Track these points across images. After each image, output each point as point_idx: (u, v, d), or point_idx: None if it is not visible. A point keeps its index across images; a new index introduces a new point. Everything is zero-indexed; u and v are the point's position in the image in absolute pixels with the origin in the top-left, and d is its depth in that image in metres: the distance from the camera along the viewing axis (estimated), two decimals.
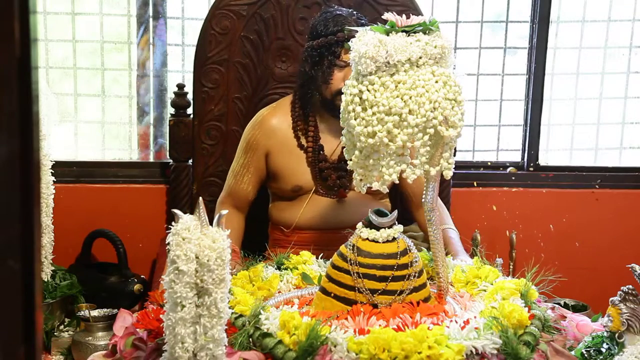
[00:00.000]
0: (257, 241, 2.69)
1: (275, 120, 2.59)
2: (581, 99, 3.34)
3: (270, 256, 2.40)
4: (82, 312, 2.45)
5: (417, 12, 2.81)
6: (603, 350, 1.91)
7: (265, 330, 1.78)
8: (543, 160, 3.29)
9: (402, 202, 2.70)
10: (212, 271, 1.56)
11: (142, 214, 3.08)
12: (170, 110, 2.98)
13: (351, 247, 1.96)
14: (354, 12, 2.53)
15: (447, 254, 2.32)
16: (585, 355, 1.91)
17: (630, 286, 1.90)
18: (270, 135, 2.57)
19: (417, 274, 1.95)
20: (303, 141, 2.56)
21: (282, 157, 2.56)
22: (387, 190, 2.04)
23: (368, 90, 1.88)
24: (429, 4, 3.18)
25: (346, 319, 1.86)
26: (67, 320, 2.63)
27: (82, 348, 2.33)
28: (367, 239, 1.96)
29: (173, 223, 1.59)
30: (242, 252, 2.53)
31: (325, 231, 2.55)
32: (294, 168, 2.56)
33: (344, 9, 2.57)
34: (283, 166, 2.56)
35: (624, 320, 1.89)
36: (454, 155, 1.97)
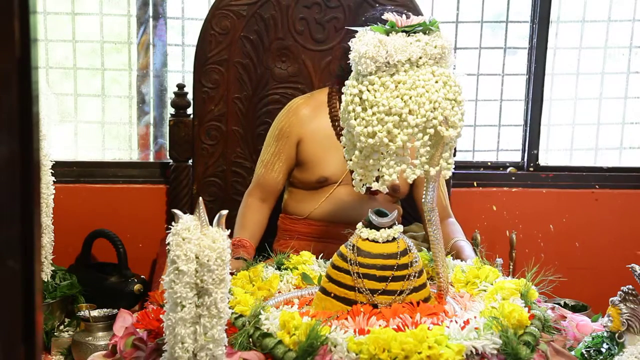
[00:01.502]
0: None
1: (309, 108, 2.59)
2: (581, 99, 3.34)
3: (270, 256, 2.40)
4: (82, 312, 2.45)
5: (417, 12, 2.81)
6: (603, 350, 1.91)
7: (265, 331, 1.78)
8: (543, 161, 3.30)
9: (403, 204, 2.69)
10: (212, 271, 1.56)
11: (142, 214, 3.08)
12: (170, 110, 2.98)
13: (351, 247, 1.96)
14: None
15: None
16: (585, 355, 1.92)
17: (630, 286, 1.90)
18: (304, 123, 2.57)
19: (417, 274, 1.95)
20: (340, 130, 2.53)
21: (313, 146, 2.56)
22: (387, 191, 2.04)
23: (368, 90, 1.88)
24: (429, 4, 3.18)
25: (346, 319, 1.86)
26: (67, 320, 2.63)
27: (82, 348, 2.33)
28: (367, 239, 1.96)
29: (173, 223, 1.59)
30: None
31: (340, 224, 2.53)
32: (324, 158, 2.54)
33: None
34: (313, 155, 2.56)
35: (624, 320, 1.89)
36: (454, 156, 1.97)
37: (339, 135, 2.53)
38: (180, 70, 3.18)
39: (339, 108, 2.53)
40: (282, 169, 2.59)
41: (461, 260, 2.31)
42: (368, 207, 2.52)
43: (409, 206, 2.74)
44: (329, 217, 2.56)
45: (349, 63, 2.49)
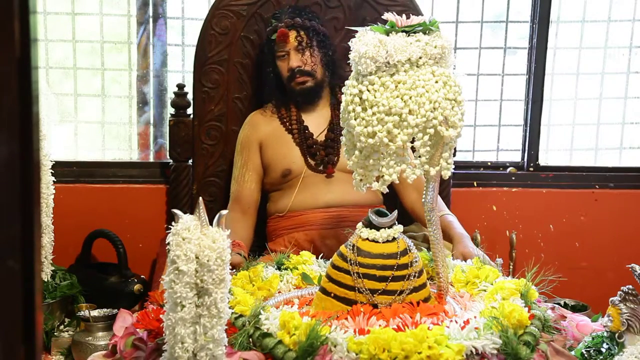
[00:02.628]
0: (257, 240, 2.70)
1: (261, 115, 2.77)
2: (581, 99, 3.34)
3: (270, 255, 2.41)
4: (82, 312, 2.45)
5: (417, 12, 2.81)
6: (603, 350, 1.91)
7: (265, 330, 1.78)
8: (543, 160, 3.30)
9: (401, 203, 2.70)
10: (212, 271, 1.56)
11: (142, 214, 3.08)
12: (170, 110, 2.98)
13: (351, 247, 1.96)
14: (293, 5, 2.75)
15: (449, 240, 2.38)
16: (585, 355, 1.92)
17: (630, 286, 1.90)
18: (259, 129, 2.73)
19: (417, 274, 1.95)
20: (288, 125, 2.71)
21: (272, 145, 2.70)
22: (387, 191, 2.04)
23: (368, 90, 1.88)
24: (429, 4, 3.18)
25: (346, 319, 1.86)
26: (67, 320, 2.63)
27: (82, 348, 2.33)
28: (367, 239, 1.96)
29: (173, 223, 1.59)
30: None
31: (318, 210, 2.64)
32: (284, 153, 2.68)
33: (292, 5, 2.75)
34: (274, 153, 2.69)
35: (624, 320, 1.89)
36: (454, 155, 1.97)
37: (289, 131, 2.70)
38: (180, 70, 3.18)
39: (284, 110, 2.73)
40: (253, 177, 2.71)
41: (449, 238, 2.34)
42: (340, 189, 2.58)
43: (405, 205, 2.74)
44: (308, 205, 2.66)
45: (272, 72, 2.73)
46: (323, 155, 2.66)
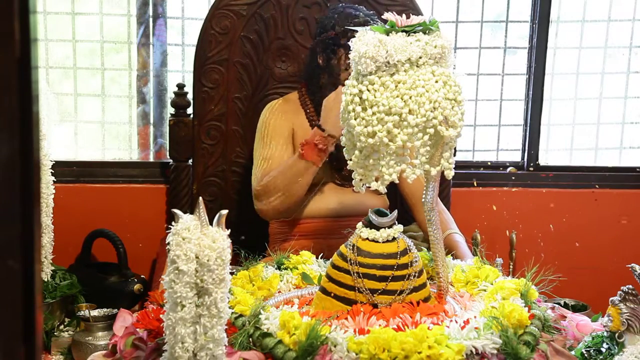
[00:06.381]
0: (257, 240, 2.69)
1: (289, 109, 2.65)
2: (581, 99, 3.34)
3: (270, 255, 2.40)
4: (82, 312, 2.45)
5: (417, 12, 2.81)
6: (603, 350, 1.91)
7: (265, 330, 1.78)
8: (543, 160, 3.30)
9: (402, 202, 2.70)
10: (212, 271, 1.56)
11: (142, 214, 3.08)
12: (170, 110, 2.98)
13: (351, 247, 1.96)
14: (362, 8, 2.59)
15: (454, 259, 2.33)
16: (585, 355, 1.91)
17: (630, 286, 1.90)
18: (289, 117, 2.62)
19: (417, 274, 1.95)
20: None
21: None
22: (386, 191, 2.04)
23: (368, 90, 1.87)
24: (429, 4, 3.18)
25: (346, 319, 1.86)
26: (67, 320, 2.63)
27: (82, 348, 2.33)
28: (367, 238, 1.96)
29: (173, 223, 1.59)
30: (243, 252, 2.52)
31: (329, 219, 2.59)
32: None
33: (351, 5, 2.60)
34: None
35: (624, 320, 1.89)
36: (454, 155, 1.97)
37: None
38: (180, 70, 3.18)
39: (313, 108, 2.60)
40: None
41: (454, 258, 2.32)
42: (352, 201, 2.56)
43: (406, 205, 2.74)
44: (315, 214, 2.60)
45: (315, 64, 2.57)
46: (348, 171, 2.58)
